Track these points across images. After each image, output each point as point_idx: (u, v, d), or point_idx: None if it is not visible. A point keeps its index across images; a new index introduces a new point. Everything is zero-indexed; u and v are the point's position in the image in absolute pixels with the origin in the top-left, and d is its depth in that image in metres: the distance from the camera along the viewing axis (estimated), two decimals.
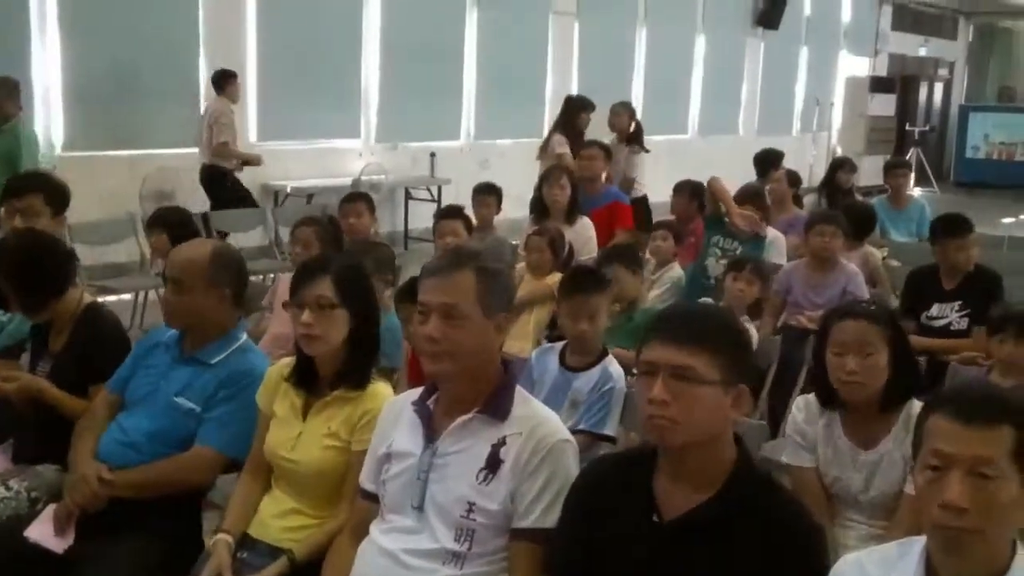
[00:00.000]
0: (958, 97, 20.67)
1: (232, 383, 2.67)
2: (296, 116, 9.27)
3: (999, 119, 18.66)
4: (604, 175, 6.56)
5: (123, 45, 8.05)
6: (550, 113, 10.37)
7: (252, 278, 3.58)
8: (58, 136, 7.88)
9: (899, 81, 18.41)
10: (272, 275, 6.41)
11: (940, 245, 4.66)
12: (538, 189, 5.67)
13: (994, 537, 1.57)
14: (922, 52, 19.18)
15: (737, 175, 7.80)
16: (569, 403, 3.18)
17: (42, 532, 2.57)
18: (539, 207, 5.67)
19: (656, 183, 8.10)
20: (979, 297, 4.48)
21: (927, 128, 18.48)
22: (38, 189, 3.79)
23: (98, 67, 7.94)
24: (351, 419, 2.43)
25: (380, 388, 2.48)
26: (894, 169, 7.21)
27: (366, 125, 10.16)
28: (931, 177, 17.71)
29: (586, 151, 6.66)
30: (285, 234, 7.65)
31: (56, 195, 3.83)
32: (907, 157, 17.65)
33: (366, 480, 2.24)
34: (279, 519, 2.46)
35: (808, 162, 14.71)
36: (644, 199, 7.84)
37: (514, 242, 5.63)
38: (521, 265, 4.59)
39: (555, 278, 4.18)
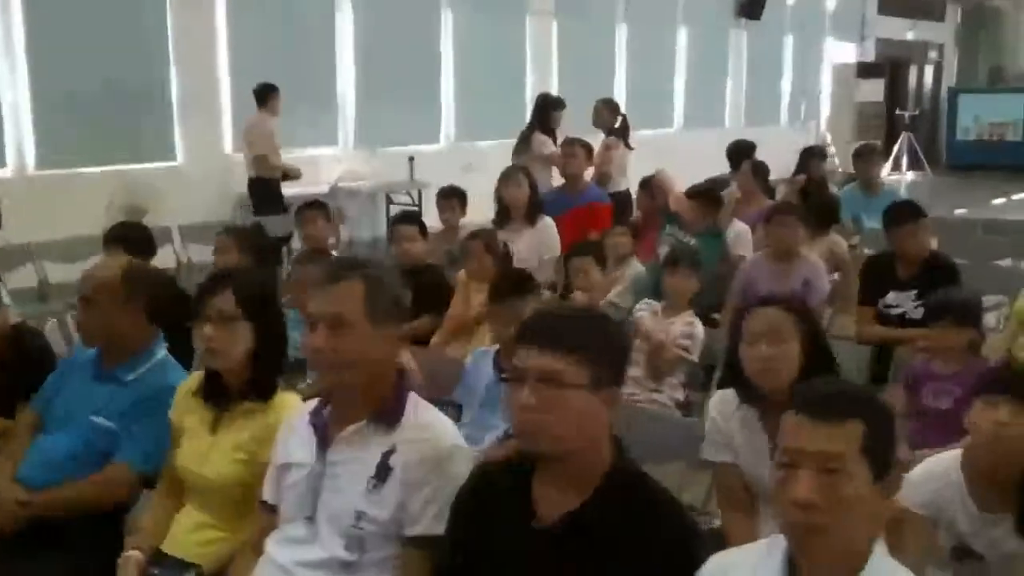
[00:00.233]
0: (948, 80, 20.59)
1: (149, 400, 2.67)
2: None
3: (989, 100, 18.61)
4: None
5: (93, 60, 8.04)
6: (531, 114, 10.34)
7: None
8: (30, 154, 7.90)
9: (888, 66, 18.34)
10: None
11: (892, 233, 4.64)
12: (498, 190, 5.65)
13: (847, 532, 1.55)
14: (910, 36, 19.10)
15: (724, 168, 7.79)
16: (504, 407, 3.17)
17: None
18: (500, 208, 5.66)
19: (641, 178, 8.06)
20: (935, 286, 4.44)
21: (917, 112, 18.40)
22: None
23: (67, 84, 7.94)
24: (258, 431, 2.43)
25: (287, 399, 2.48)
26: (865, 156, 7.17)
27: (343, 131, 10.16)
28: (923, 161, 17.66)
29: (567, 149, 6.65)
30: None
31: None
32: (898, 141, 17.66)
33: (267, 492, 2.24)
34: (190, 533, 2.47)
35: (797, 151, 14.66)
36: (625, 194, 7.80)
37: None
38: (461, 272, 4.57)
39: None
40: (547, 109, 8.19)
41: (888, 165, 17.72)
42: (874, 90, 18.05)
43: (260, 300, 2.49)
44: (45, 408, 2.81)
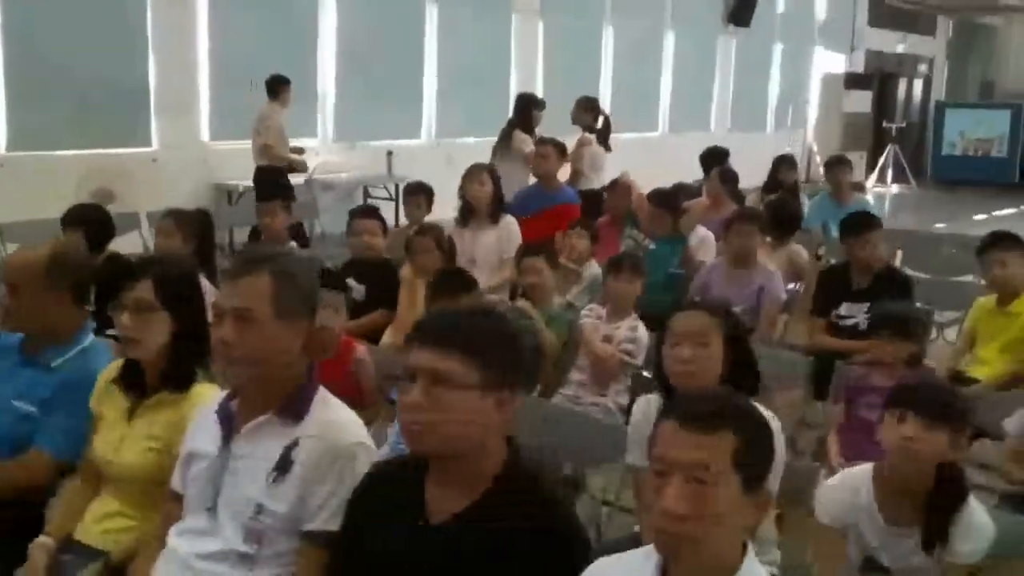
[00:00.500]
0: (938, 93, 20.65)
1: (71, 386, 2.65)
2: (249, 116, 9.21)
3: (976, 115, 18.65)
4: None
5: (71, 45, 8.02)
6: (512, 112, 10.33)
7: None
8: (1, 135, 7.86)
9: (876, 77, 18.39)
10: None
11: (846, 243, 4.67)
12: (461, 188, 5.64)
13: (717, 541, 1.55)
14: (900, 48, 19.15)
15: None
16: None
17: None
18: (464, 206, 5.65)
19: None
20: (888, 298, 4.47)
21: (904, 125, 18.45)
22: None
23: (43, 67, 7.91)
24: (173, 422, 2.41)
25: (204, 390, 2.46)
26: (836, 166, 7.19)
27: (323, 124, 10.15)
28: (908, 174, 17.71)
29: (540, 148, 6.65)
30: (240, 235, 7.69)
31: None
32: (884, 153, 17.72)
33: (175, 481, 2.24)
34: (101, 521, 2.45)
35: None
36: (597, 193, 7.78)
37: None
38: (404, 269, 4.56)
39: None
40: (528, 108, 8.18)
41: (873, 177, 17.81)
42: (862, 101, 18.12)
43: (180, 290, 2.47)
44: None
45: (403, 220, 7.45)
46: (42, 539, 2.42)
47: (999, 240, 4.47)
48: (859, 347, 4.09)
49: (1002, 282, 4.41)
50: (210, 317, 2.18)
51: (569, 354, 4.14)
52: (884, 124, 18.06)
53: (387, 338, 4.42)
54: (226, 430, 2.12)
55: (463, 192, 5.58)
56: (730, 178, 6.67)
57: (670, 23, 14.13)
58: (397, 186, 10.08)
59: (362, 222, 5.02)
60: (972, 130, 18.25)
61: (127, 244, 5.64)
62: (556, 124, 8.19)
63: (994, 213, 14.40)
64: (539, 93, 9.28)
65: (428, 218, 5.93)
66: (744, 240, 4.94)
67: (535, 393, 4.02)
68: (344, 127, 10.25)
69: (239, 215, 8.09)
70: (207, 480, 2.11)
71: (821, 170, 15.22)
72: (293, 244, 5.26)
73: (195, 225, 4.19)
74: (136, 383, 2.48)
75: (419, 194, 5.91)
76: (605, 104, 11.41)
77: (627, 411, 4.03)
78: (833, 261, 6.07)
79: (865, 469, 2.46)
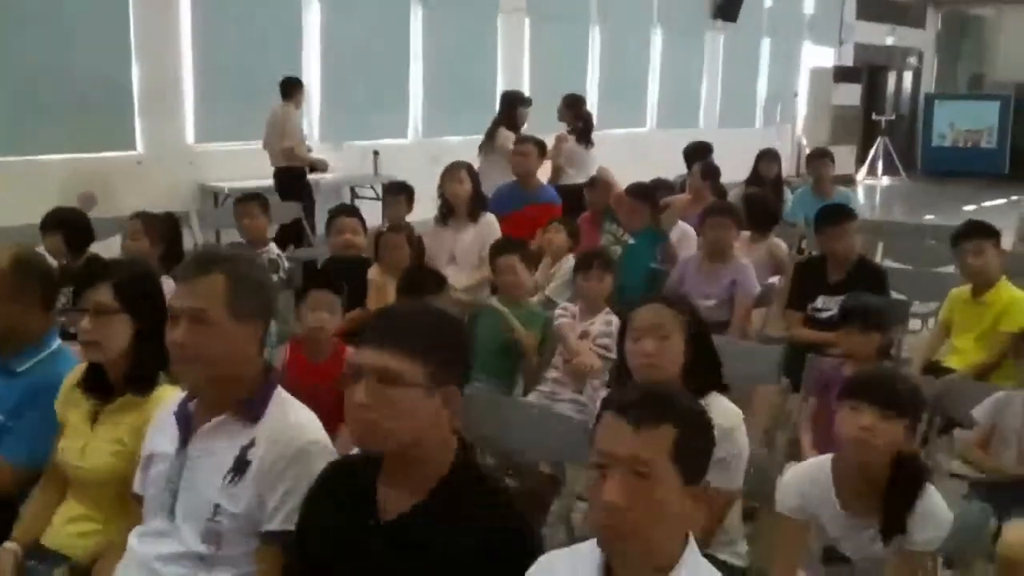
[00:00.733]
0: (927, 86, 20.66)
1: (38, 391, 2.65)
2: (235, 117, 9.24)
3: (965, 107, 18.69)
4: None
5: (53, 48, 7.98)
6: (498, 110, 10.33)
7: None
8: None
9: (865, 70, 18.40)
10: None
11: (820, 235, 4.68)
12: (440, 186, 5.65)
13: (655, 535, 1.56)
14: (889, 41, 19.16)
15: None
16: None
17: None
18: (443, 204, 5.66)
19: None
20: (862, 291, 4.48)
21: (894, 117, 18.48)
22: None
23: (25, 71, 7.90)
24: (137, 425, 2.42)
25: (167, 392, 2.46)
26: (817, 159, 7.21)
27: (308, 124, 10.13)
28: (899, 166, 17.74)
29: (520, 147, 6.65)
30: (227, 236, 7.67)
31: None
32: (874, 146, 17.74)
33: (136, 483, 2.25)
34: (67, 525, 2.47)
35: None
36: (576, 189, 7.78)
37: None
38: (372, 269, 4.56)
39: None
40: (514, 106, 8.18)
41: (864, 169, 17.84)
42: (851, 94, 18.13)
43: (140, 293, 2.47)
44: None
45: None
46: (8, 544, 2.42)
47: (973, 231, 4.49)
48: (831, 339, 4.10)
49: (976, 272, 4.43)
50: None
51: (547, 352, 4.16)
52: (874, 117, 18.07)
53: None
54: (184, 431, 2.14)
55: (442, 190, 5.59)
56: (712, 173, 6.68)
57: (657, 19, 14.13)
58: (384, 186, 10.11)
59: (343, 220, 5.03)
60: (961, 121, 18.31)
61: (112, 248, 5.63)
62: (543, 123, 8.21)
63: (984, 204, 14.44)
64: (526, 91, 9.26)
65: (410, 217, 5.94)
66: (719, 233, 4.95)
67: (517, 391, 4.06)
68: (330, 127, 10.26)
69: (225, 217, 8.07)
70: (166, 481, 2.12)
71: None
72: (272, 246, 5.25)
73: (163, 228, 4.19)
74: (99, 387, 2.49)
75: (400, 194, 5.91)
76: (592, 101, 11.42)
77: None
78: (814, 253, 6.11)
79: (824, 459, 2.48)
